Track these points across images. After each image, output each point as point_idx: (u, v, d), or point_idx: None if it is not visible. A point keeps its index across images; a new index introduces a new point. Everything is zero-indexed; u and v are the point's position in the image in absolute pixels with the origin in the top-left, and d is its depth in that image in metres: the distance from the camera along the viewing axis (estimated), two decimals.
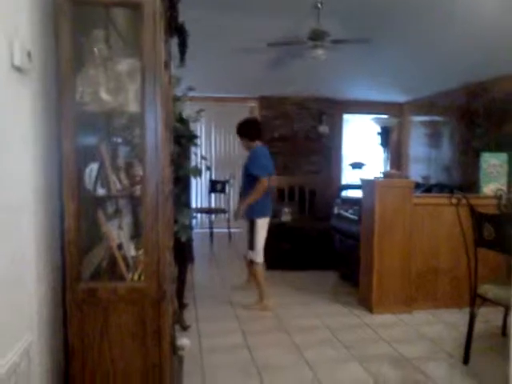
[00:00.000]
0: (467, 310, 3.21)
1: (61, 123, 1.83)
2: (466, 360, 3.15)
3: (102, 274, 2.05)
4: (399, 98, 8.57)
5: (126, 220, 2.35)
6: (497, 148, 5.01)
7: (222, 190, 8.09)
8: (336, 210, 5.79)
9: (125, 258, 2.02)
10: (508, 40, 4.83)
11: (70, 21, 1.79)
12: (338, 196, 7.45)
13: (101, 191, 2.03)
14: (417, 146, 8.38)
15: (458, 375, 3.01)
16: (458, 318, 3.94)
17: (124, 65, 2.01)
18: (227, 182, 8.03)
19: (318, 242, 5.75)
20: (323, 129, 8.39)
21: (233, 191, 8.45)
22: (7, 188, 1.56)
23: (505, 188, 4.22)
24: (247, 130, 4.36)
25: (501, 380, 2.84)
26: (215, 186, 8.11)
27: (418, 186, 5.38)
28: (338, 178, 8.77)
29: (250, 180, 4.22)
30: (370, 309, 4.16)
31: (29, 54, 1.66)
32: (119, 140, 2.31)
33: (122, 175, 2.17)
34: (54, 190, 1.94)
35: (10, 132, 1.58)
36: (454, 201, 3.20)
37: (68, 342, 1.90)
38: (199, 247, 6.79)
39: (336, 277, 5.36)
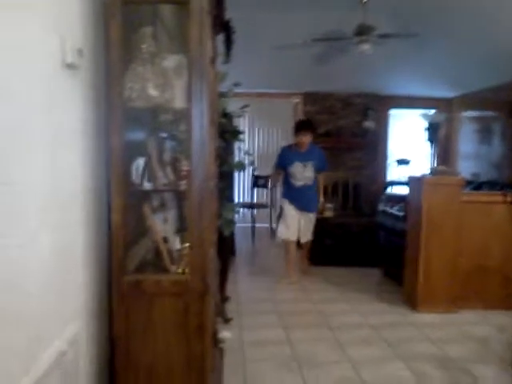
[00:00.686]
0: None
1: (109, 119, 1.88)
2: None
3: (146, 266, 2.10)
4: (448, 93, 8.31)
5: (172, 214, 2.39)
6: None
7: (265, 185, 8.11)
8: (381, 207, 5.70)
9: (169, 252, 2.06)
10: None
11: (119, 20, 1.83)
12: (384, 192, 7.33)
13: (147, 185, 2.07)
14: (466, 142, 8.11)
15: (508, 378, 2.91)
16: (507, 320, 3.81)
17: (171, 61, 2.04)
18: (270, 176, 8.05)
19: (361, 238, 5.68)
20: (368, 124, 8.24)
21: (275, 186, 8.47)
22: (59, 182, 1.62)
23: None
24: (313, 127, 5.07)
25: None
26: (258, 181, 8.14)
27: (467, 183, 5.23)
28: (384, 174, 8.61)
29: (315, 176, 4.98)
30: (414, 307, 4.07)
31: (80, 52, 1.71)
32: (166, 135, 2.35)
33: (168, 170, 2.20)
34: (102, 183, 2.00)
35: (62, 127, 1.64)
36: (509, 198, 3.09)
37: (113, 332, 1.96)
38: (241, 241, 6.84)
39: (380, 274, 5.28)
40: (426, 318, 3.92)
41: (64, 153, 1.65)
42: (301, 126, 5.01)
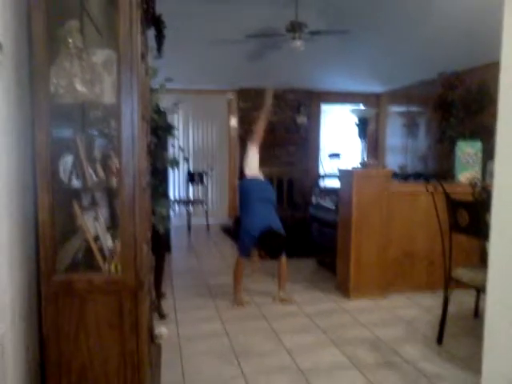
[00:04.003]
0: (441, 294, 3.31)
1: (34, 115, 1.83)
2: (439, 341, 3.26)
3: (78, 265, 2.06)
4: (377, 88, 8.64)
5: (103, 211, 2.35)
6: (472, 137, 5.11)
7: (201, 182, 8.13)
8: (314, 200, 5.86)
9: (101, 250, 2.02)
10: (483, 31, 4.91)
11: (43, 11, 1.78)
12: (316, 186, 7.53)
13: (76, 183, 2.03)
14: (394, 136, 8.48)
15: (432, 355, 3.11)
16: (433, 301, 4.06)
17: (99, 56, 2.00)
18: (205, 173, 8.08)
19: (295, 230, 5.80)
20: (301, 120, 8.42)
21: (211, 183, 8.48)
22: None
23: (479, 175, 4.33)
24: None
25: (471, 357, 2.97)
26: (193, 178, 8.14)
27: (395, 175, 5.46)
28: (316, 169, 8.83)
29: None
30: (347, 294, 4.24)
31: (0, 46, 1.65)
32: (95, 131, 2.30)
33: (98, 167, 2.16)
34: (29, 181, 1.94)
35: None
36: (430, 188, 3.29)
37: (43, 333, 1.91)
38: (177, 238, 6.81)
39: (314, 264, 5.44)
40: (358, 304, 4.08)
41: None
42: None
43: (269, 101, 4.70)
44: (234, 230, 4.35)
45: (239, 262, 4.11)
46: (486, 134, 4.70)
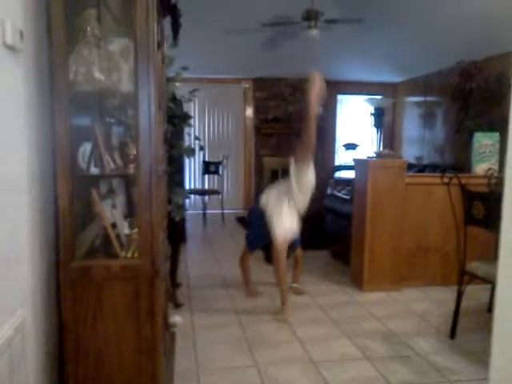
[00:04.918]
0: (455, 288, 3.29)
1: (54, 102, 1.85)
2: (452, 335, 3.25)
3: (95, 252, 2.09)
4: (393, 78, 8.55)
5: (120, 199, 2.37)
6: (489, 128, 5.04)
7: (216, 172, 8.10)
8: (329, 191, 5.84)
9: (118, 237, 2.05)
10: (502, 19, 4.83)
11: (61, 1, 1.80)
12: (332, 177, 7.50)
13: (94, 170, 2.05)
14: (410, 126, 8.40)
15: (444, 348, 3.10)
16: (446, 295, 4.03)
17: (117, 44, 2.02)
18: (221, 163, 8.04)
19: (310, 221, 5.79)
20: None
21: (226, 172, 8.49)
22: (1, 167, 1.58)
23: (496, 167, 4.27)
24: None
25: (483, 352, 2.95)
26: (209, 167, 8.12)
27: (410, 166, 5.43)
28: (332, 159, 8.80)
29: None
30: (360, 287, 4.23)
31: (21, 34, 1.66)
32: (113, 120, 2.32)
33: (116, 155, 2.18)
34: (49, 168, 1.96)
35: (3, 110, 1.60)
36: (445, 180, 3.26)
37: (62, 319, 1.94)
38: (193, 228, 6.84)
39: (328, 256, 5.44)
40: (371, 296, 4.08)
41: (6, 138, 1.61)
42: None
43: (315, 90, 3.55)
44: (248, 221, 4.32)
45: (244, 253, 4.13)
46: (504, 126, 4.62)
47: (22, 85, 1.74)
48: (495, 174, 3.21)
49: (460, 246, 3.17)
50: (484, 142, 4.39)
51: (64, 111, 1.84)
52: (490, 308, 3.63)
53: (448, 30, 5.64)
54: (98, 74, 1.97)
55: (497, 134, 4.40)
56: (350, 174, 6.76)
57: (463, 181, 3.17)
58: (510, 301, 1.53)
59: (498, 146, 4.36)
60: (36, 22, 1.86)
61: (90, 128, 2.07)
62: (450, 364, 2.88)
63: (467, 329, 3.35)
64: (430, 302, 3.97)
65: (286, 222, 3.68)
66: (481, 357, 2.92)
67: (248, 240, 4.10)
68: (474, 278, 3.13)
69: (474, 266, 3.13)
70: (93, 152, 2.05)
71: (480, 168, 4.33)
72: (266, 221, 3.70)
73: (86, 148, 2.05)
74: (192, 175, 8.56)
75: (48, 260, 1.99)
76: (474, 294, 3.73)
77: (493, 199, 2.89)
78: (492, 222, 2.87)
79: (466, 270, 3.18)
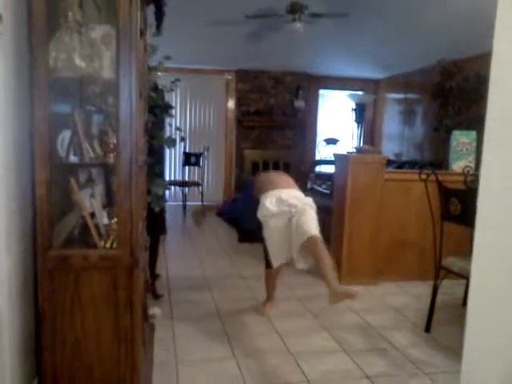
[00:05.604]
0: (432, 283, 3.35)
1: (33, 88, 1.81)
2: (427, 328, 3.31)
3: (74, 241, 2.06)
4: (376, 74, 8.60)
5: (99, 189, 2.34)
6: (467, 127, 5.11)
7: (196, 163, 8.07)
8: (309, 185, 5.87)
9: (97, 227, 2.03)
10: (484, 19, 4.88)
11: None
12: (312, 171, 7.53)
13: (73, 159, 2.02)
14: (391, 123, 8.47)
15: (420, 342, 3.16)
16: (423, 289, 4.09)
17: (98, 31, 1.99)
18: (201, 154, 8.02)
19: None
20: (299, 104, 8.37)
21: (207, 164, 8.46)
22: None
23: (473, 165, 4.34)
24: None
25: (458, 345, 3.00)
26: (189, 159, 8.08)
27: (390, 162, 5.47)
28: (312, 153, 8.83)
29: None
30: (339, 280, 4.25)
31: (0, 17, 1.63)
32: (93, 107, 2.28)
33: (96, 143, 2.15)
34: (27, 156, 1.93)
35: None
36: (423, 176, 3.30)
37: (39, 308, 1.92)
38: (172, 219, 6.80)
39: None
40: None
41: None
42: None
43: None
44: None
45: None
46: (481, 124, 4.69)
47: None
48: (471, 172, 3.25)
49: (436, 242, 3.23)
50: (462, 140, 4.46)
51: (43, 97, 1.81)
52: (464, 302, 3.69)
53: (432, 28, 5.68)
54: (78, 61, 1.94)
55: (474, 133, 4.47)
56: (330, 169, 6.79)
57: (440, 178, 3.22)
58: (483, 296, 1.56)
59: (474, 144, 4.43)
60: (16, 6, 1.82)
61: (70, 115, 2.04)
62: (426, 357, 2.94)
63: (442, 322, 3.42)
64: (407, 296, 4.03)
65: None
66: (455, 350, 2.97)
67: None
68: (450, 273, 3.19)
69: (450, 262, 3.19)
70: (72, 140, 2.02)
71: (457, 165, 4.39)
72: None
73: (65, 136, 2.02)
74: (172, 166, 8.50)
75: (25, 248, 1.96)
76: (450, 288, 3.80)
77: (469, 196, 2.94)
78: (468, 218, 2.91)
79: (441, 265, 3.24)
